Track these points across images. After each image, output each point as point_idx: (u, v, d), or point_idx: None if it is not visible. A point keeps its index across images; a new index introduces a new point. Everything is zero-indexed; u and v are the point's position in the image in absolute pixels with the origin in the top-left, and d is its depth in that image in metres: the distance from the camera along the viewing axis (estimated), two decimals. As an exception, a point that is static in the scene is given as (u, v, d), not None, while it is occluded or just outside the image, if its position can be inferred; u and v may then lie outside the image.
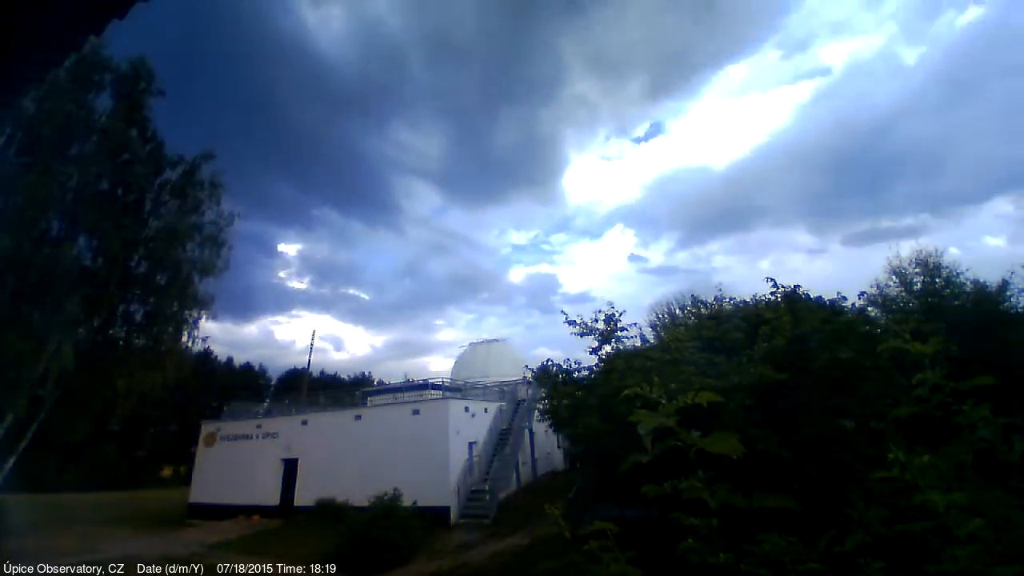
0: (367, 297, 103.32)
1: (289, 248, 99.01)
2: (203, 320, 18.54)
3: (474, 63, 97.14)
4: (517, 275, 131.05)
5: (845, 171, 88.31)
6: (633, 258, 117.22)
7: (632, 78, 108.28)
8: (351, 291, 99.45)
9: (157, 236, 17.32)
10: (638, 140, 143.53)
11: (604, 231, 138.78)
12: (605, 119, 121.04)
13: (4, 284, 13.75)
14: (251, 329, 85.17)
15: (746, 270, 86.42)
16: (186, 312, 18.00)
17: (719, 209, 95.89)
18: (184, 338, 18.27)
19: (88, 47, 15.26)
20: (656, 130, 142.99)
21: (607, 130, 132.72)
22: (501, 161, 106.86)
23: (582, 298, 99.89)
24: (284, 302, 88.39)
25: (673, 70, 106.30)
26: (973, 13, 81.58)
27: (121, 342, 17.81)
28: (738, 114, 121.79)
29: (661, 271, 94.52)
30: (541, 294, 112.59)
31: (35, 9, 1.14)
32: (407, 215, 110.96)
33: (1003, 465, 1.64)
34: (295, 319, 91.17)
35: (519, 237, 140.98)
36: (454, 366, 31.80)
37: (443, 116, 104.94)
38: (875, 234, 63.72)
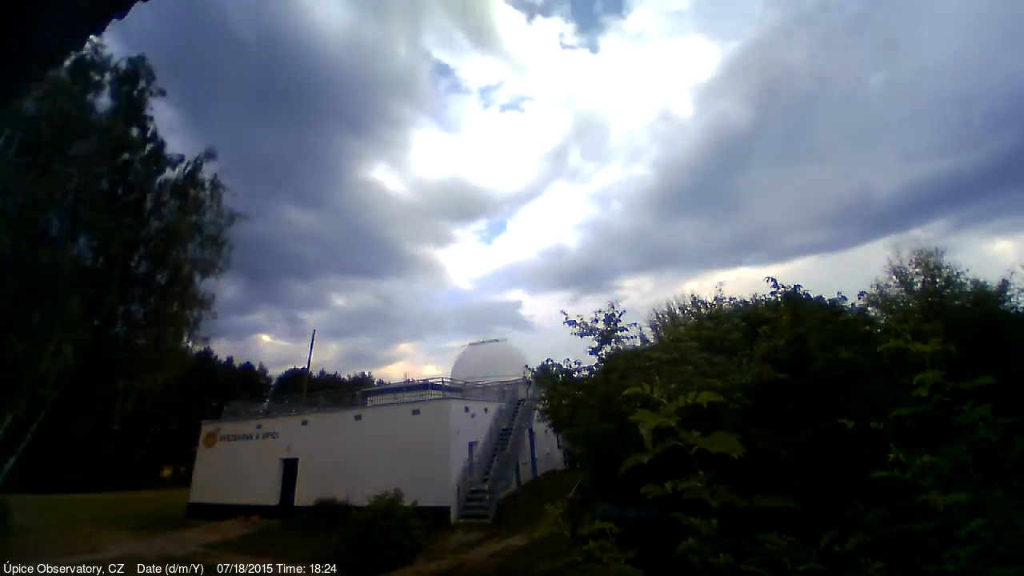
0: (304, 318, 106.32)
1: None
2: (204, 320, 18.58)
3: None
4: (448, 311, 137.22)
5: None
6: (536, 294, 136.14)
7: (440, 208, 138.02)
8: (282, 312, 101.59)
9: (157, 236, 17.33)
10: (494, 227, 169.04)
11: (504, 289, 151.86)
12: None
13: (4, 284, 13.74)
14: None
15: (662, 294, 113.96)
16: (187, 312, 18.03)
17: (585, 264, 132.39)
18: (185, 338, 18.32)
19: (88, 47, 15.27)
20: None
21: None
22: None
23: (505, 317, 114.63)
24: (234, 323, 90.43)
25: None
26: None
27: (122, 342, 17.82)
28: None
29: (570, 300, 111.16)
30: (476, 322, 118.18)
31: (35, 9, 1.13)
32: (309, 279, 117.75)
33: (1003, 465, 1.64)
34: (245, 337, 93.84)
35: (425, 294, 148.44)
36: (454, 366, 31.63)
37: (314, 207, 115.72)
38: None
